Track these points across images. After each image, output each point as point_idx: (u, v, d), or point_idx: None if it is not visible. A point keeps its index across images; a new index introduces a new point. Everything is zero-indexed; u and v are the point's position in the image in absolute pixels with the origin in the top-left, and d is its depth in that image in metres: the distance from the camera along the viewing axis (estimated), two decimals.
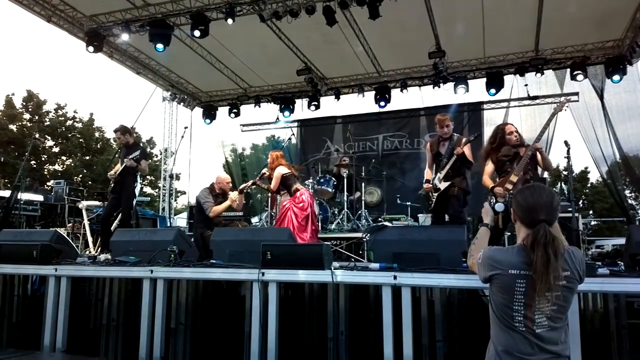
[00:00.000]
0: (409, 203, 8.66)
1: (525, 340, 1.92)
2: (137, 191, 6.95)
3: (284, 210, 6.30)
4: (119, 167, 6.72)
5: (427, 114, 11.16)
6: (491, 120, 10.78)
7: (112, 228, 6.71)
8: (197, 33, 7.90)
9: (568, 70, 9.41)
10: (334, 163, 10.22)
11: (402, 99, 10.84)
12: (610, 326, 3.84)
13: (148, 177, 25.10)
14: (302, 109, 11.58)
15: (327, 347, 3.99)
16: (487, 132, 10.00)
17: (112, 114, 56.78)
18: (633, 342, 3.78)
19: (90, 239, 7.52)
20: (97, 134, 28.07)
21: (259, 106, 11.72)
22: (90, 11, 8.48)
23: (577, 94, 9.85)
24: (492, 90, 9.79)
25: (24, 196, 8.49)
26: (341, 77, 11.05)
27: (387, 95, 10.56)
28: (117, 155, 7.28)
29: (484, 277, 2.05)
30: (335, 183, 8.54)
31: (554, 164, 5.39)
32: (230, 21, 7.69)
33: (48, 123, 25.68)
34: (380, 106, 10.67)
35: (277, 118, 11.80)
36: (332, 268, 3.82)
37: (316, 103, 10.96)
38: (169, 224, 11.02)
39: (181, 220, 12.82)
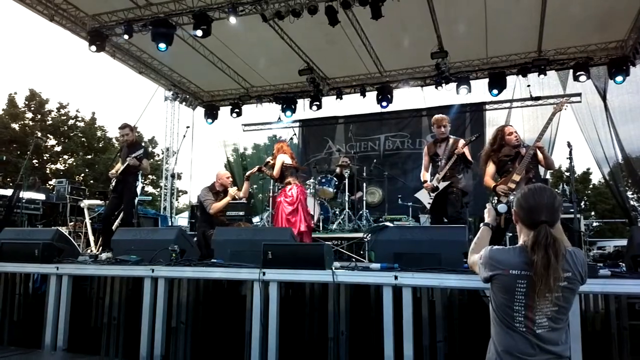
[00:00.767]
0: (410, 203, 8.65)
1: (526, 340, 1.92)
2: (138, 190, 6.96)
3: (278, 203, 6.49)
4: (120, 166, 6.72)
5: (429, 114, 11.12)
6: (493, 120, 10.78)
7: (114, 227, 6.71)
8: (199, 33, 7.92)
9: (571, 71, 9.40)
10: (336, 163, 10.22)
11: (404, 99, 10.86)
12: (612, 327, 3.83)
13: (150, 176, 25.12)
14: (304, 109, 11.60)
15: (327, 347, 3.99)
16: (489, 132, 9.99)
17: (114, 114, 56.90)
18: (634, 344, 3.77)
19: (91, 238, 7.53)
20: (99, 133, 28.12)
21: (261, 106, 11.74)
22: (93, 10, 8.50)
23: (579, 94, 9.83)
24: (495, 91, 9.78)
25: (26, 195, 8.51)
26: (343, 77, 11.06)
27: (389, 96, 10.56)
28: (118, 155, 7.29)
29: (485, 277, 2.05)
30: (336, 183, 8.54)
31: (556, 164, 5.39)
32: (232, 20, 7.70)
33: (50, 122, 25.73)
34: (382, 106, 10.68)
35: (279, 118, 11.81)
36: (333, 268, 3.83)
37: (318, 103, 10.97)
38: (170, 223, 11.03)
39: (182, 220, 12.82)
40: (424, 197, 5.91)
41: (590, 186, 30.55)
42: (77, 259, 5.02)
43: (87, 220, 7.73)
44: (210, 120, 12.16)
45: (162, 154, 14.04)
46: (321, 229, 8.05)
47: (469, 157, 5.72)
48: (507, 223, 4.69)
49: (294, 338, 4.31)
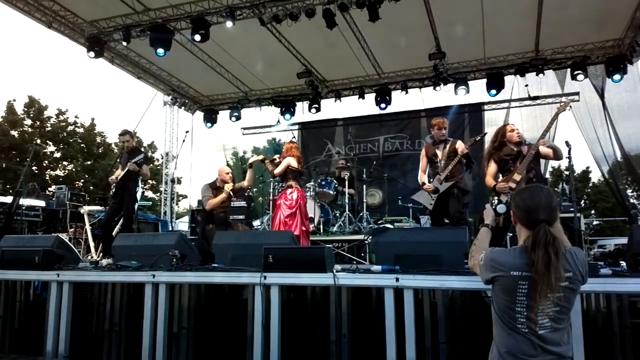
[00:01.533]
0: (411, 205, 8.65)
1: (528, 341, 1.91)
2: (138, 196, 6.96)
3: (277, 206, 6.55)
4: (120, 172, 6.72)
5: (428, 115, 11.16)
6: (492, 121, 10.80)
7: (114, 233, 6.71)
8: (197, 37, 7.93)
9: (568, 70, 9.42)
10: (335, 165, 10.22)
11: (402, 101, 10.86)
12: (613, 326, 3.82)
13: (150, 181, 25.12)
14: (303, 112, 11.62)
15: (329, 350, 3.98)
16: (489, 132, 10.01)
17: (113, 119, 56.98)
18: (636, 342, 3.77)
19: (92, 244, 7.53)
20: (98, 139, 28.10)
21: (260, 109, 11.75)
22: (91, 17, 8.51)
23: (577, 93, 9.85)
24: (493, 91, 9.79)
25: (26, 202, 8.50)
26: (341, 80, 11.07)
27: (387, 97, 10.57)
28: (118, 160, 7.29)
29: (486, 278, 2.05)
30: (336, 185, 8.55)
31: (555, 164, 5.43)
32: (229, 24, 7.71)
33: (49, 128, 25.73)
34: (380, 108, 10.69)
35: (278, 121, 11.82)
36: (334, 271, 3.82)
37: (317, 105, 10.99)
38: (170, 228, 11.03)
39: (183, 224, 12.82)
40: (423, 199, 5.91)
41: (590, 185, 30.54)
42: (78, 265, 5.03)
43: (87, 227, 7.72)
44: (209, 125, 12.17)
45: (162, 158, 14.04)
46: (322, 231, 8.05)
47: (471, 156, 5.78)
48: (507, 223, 4.70)
49: (296, 342, 4.30)
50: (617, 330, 3.79)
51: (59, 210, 9.40)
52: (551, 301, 1.90)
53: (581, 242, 5.96)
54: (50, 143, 25.70)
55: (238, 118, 11.94)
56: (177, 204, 12.66)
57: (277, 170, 6.61)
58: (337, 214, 8.56)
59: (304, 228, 6.44)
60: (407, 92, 10.49)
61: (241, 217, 9.70)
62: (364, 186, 8.85)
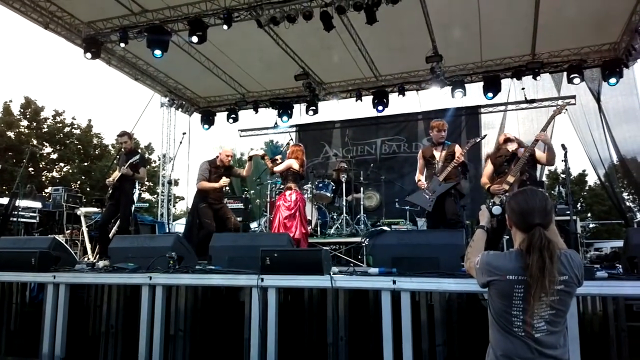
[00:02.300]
0: (408, 207, 8.66)
1: (525, 345, 1.92)
2: (135, 197, 6.95)
3: (276, 208, 6.58)
4: (117, 174, 6.72)
5: (425, 118, 11.18)
6: (489, 123, 10.84)
7: (111, 235, 6.70)
8: (194, 39, 7.93)
9: (565, 73, 9.45)
10: (333, 168, 10.22)
11: (399, 104, 10.88)
12: (610, 329, 3.85)
13: (147, 183, 25.07)
14: (300, 114, 11.63)
15: (326, 352, 3.99)
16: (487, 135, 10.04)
17: (110, 121, 56.84)
18: (632, 345, 3.79)
19: (88, 246, 7.50)
20: (95, 141, 28.02)
21: (257, 111, 11.74)
22: (88, 18, 8.50)
23: (574, 97, 9.89)
24: (490, 94, 9.82)
25: (22, 203, 8.47)
26: (339, 82, 11.09)
27: (384, 100, 10.58)
28: (115, 162, 7.28)
29: (482, 282, 2.06)
30: (334, 188, 8.55)
31: (551, 167, 5.53)
32: (226, 27, 7.72)
33: (46, 130, 25.64)
34: (378, 110, 10.69)
35: (276, 123, 11.81)
36: (331, 273, 3.83)
37: (314, 108, 11.00)
38: (167, 230, 11.00)
39: (180, 226, 12.78)
40: (420, 200, 5.92)
41: (586, 188, 30.65)
42: (74, 267, 5.00)
43: (84, 228, 7.69)
44: (206, 126, 12.16)
45: (159, 160, 14.03)
46: (319, 233, 8.05)
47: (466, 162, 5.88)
48: (503, 225, 4.73)
49: (293, 344, 4.30)
50: (614, 333, 3.81)
51: (56, 211, 9.37)
52: (547, 304, 1.91)
53: (577, 245, 6.00)
54: (47, 144, 25.62)
55: (235, 120, 11.94)
56: (174, 206, 12.65)
57: (277, 168, 6.64)
58: (335, 216, 8.56)
59: (303, 230, 6.45)
60: (404, 95, 10.52)
61: (238, 219, 9.69)
62: (361, 189, 8.86)
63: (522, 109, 10.58)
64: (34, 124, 25.38)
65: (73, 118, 27.19)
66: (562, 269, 1.94)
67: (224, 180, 6.65)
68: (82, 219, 7.73)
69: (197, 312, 4.73)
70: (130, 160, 6.62)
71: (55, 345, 4.49)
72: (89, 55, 8.55)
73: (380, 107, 10.60)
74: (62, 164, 26.46)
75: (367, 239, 6.25)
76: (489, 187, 5.27)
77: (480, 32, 8.57)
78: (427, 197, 5.79)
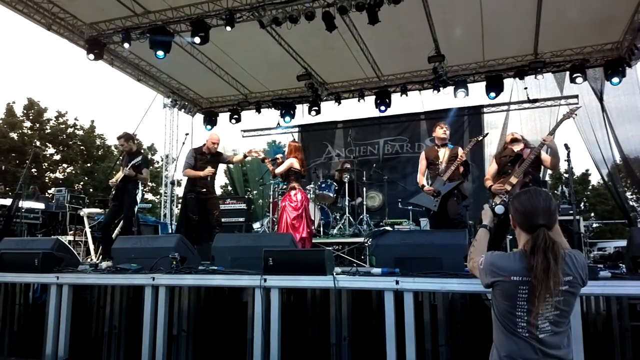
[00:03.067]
0: (411, 207, 8.66)
1: (529, 345, 1.91)
2: (138, 198, 6.96)
3: (282, 208, 6.52)
4: (120, 175, 6.73)
5: (428, 118, 11.18)
6: (491, 123, 10.82)
7: (114, 235, 6.71)
8: (197, 40, 7.93)
9: (567, 73, 9.43)
10: (335, 168, 10.23)
11: (402, 104, 10.87)
12: (613, 329, 3.84)
13: (149, 183, 25.12)
14: (303, 114, 11.61)
15: (329, 352, 3.98)
16: (488, 135, 10.02)
17: (113, 121, 56.98)
18: (636, 345, 3.78)
19: (91, 247, 7.52)
20: (98, 142, 28.12)
21: (260, 112, 11.74)
22: (91, 19, 8.51)
23: (576, 96, 9.87)
24: (492, 94, 9.80)
25: (25, 204, 8.49)
26: (341, 82, 11.08)
27: (387, 100, 10.57)
28: (118, 163, 7.30)
29: (486, 283, 2.05)
30: (336, 188, 8.56)
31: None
32: (228, 28, 7.72)
33: (49, 131, 25.73)
34: (380, 111, 10.69)
35: (278, 123, 11.82)
36: (334, 273, 3.82)
37: (317, 108, 10.99)
38: (170, 231, 11.01)
39: None
40: (424, 201, 5.93)
41: (590, 187, 30.58)
42: (77, 268, 5.02)
43: (87, 229, 7.72)
44: (209, 127, 12.16)
45: (162, 161, 14.04)
46: (322, 234, 8.05)
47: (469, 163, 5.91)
48: (505, 225, 4.73)
49: (296, 344, 4.30)
50: (617, 332, 3.80)
51: (59, 212, 9.40)
52: (551, 305, 1.90)
53: (581, 245, 5.99)
54: (50, 145, 25.72)
55: (238, 120, 11.94)
56: (177, 207, 12.65)
57: (279, 170, 6.60)
58: (337, 217, 8.56)
59: (309, 230, 6.43)
60: (407, 95, 10.51)
61: (241, 219, 9.71)
62: (364, 189, 8.86)
63: (525, 108, 10.57)
64: (37, 125, 25.48)
65: (76, 119, 27.37)
66: (567, 269, 1.93)
67: (208, 170, 6.59)
68: (85, 219, 7.76)
69: (200, 313, 4.74)
70: (133, 162, 6.63)
71: (59, 346, 4.49)
72: (91, 56, 8.56)
73: (382, 107, 10.59)
74: (65, 165, 26.55)
75: (370, 239, 6.26)
76: (491, 186, 5.28)
77: (483, 31, 8.55)
78: (432, 197, 5.80)
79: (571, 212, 5.71)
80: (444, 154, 5.93)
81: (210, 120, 12.16)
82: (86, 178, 26.13)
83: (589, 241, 10.21)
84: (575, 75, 9.17)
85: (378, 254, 4.36)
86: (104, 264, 5.09)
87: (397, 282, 3.54)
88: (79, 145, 26.89)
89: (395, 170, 11.04)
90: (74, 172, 26.03)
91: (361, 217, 8.40)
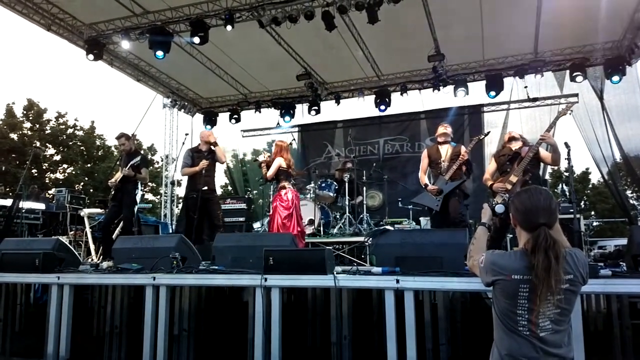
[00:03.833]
0: (411, 207, 8.66)
1: (530, 344, 1.91)
2: (138, 198, 6.96)
3: (274, 208, 6.58)
4: (119, 175, 6.73)
5: (428, 117, 11.18)
6: (491, 122, 10.82)
7: (114, 236, 6.72)
8: (196, 40, 7.93)
9: (567, 71, 9.42)
10: (335, 167, 10.22)
11: (402, 103, 10.87)
12: (614, 327, 3.84)
13: (150, 183, 25.13)
14: (303, 114, 11.61)
15: (330, 352, 3.99)
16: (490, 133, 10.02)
17: (113, 122, 57.00)
18: (636, 343, 3.78)
19: (92, 247, 7.53)
20: (98, 142, 28.13)
21: (260, 112, 11.75)
22: (90, 19, 8.51)
23: (576, 95, 9.86)
24: (492, 93, 9.79)
25: (26, 205, 8.50)
26: (341, 82, 11.08)
27: (387, 99, 10.57)
28: (118, 163, 7.30)
29: (487, 282, 2.05)
30: (336, 187, 8.56)
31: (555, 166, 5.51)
32: (229, 28, 7.73)
33: (49, 131, 25.74)
34: (380, 110, 10.68)
35: (278, 123, 11.82)
36: (335, 273, 3.82)
37: (316, 108, 10.98)
38: (170, 231, 11.02)
39: None
40: (426, 201, 5.93)
41: (590, 186, 30.56)
42: (78, 268, 5.02)
43: (88, 229, 7.72)
44: (209, 127, 12.14)
45: (162, 161, 14.05)
46: (322, 233, 8.05)
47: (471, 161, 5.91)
48: (505, 224, 4.74)
49: (296, 344, 4.31)
50: (618, 331, 3.81)
51: (59, 213, 9.40)
52: (552, 304, 1.90)
53: (581, 243, 5.99)
54: (50, 146, 25.72)
55: (238, 120, 11.94)
56: (177, 206, 12.66)
57: (270, 173, 6.65)
58: (337, 216, 8.56)
59: (299, 228, 6.50)
60: (407, 94, 10.50)
61: (241, 219, 9.71)
62: (364, 188, 8.86)
63: (525, 107, 10.56)
64: (37, 125, 25.50)
65: (76, 119, 27.40)
66: (568, 268, 1.93)
67: (203, 163, 6.56)
68: (86, 220, 7.76)
69: (201, 312, 4.74)
70: (132, 162, 6.64)
71: (60, 345, 4.50)
72: (91, 56, 8.56)
73: (382, 107, 10.59)
74: (65, 166, 26.57)
75: (370, 239, 6.26)
76: (491, 185, 5.29)
77: (483, 30, 8.55)
78: (434, 196, 5.80)
79: (571, 210, 5.71)
80: (446, 152, 5.93)
81: (210, 120, 12.16)
82: (86, 178, 26.14)
83: (589, 239, 10.22)
84: (575, 73, 9.17)
85: (378, 253, 4.36)
86: (105, 264, 5.10)
87: (397, 281, 3.54)
88: (79, 146, 26.90)
89: (395, 169, 11.04)
90: (74, 172, 26.03)
91: (361, 216, 8.40)
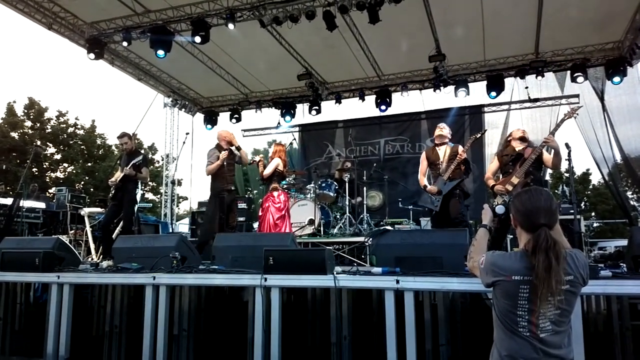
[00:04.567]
0: (411, 207, 8.66)
1: (530, 345, 1.91)
2: (138, 197, 6.96)
3: (265, 209, 6.63)
4: (120, 174, 6.74)
5: (428, 117, 11.17)
6: (492, 123, 10.81)
7: (114, 235, 6.72)
8: (197, 39, 7.93)
9: (568, 72, 9.42)
10: (336, 167, 10.23)
11: (403, 103, 10.86)
12: (614, 328, 3.83)
13: (150, 183, 25.13)
14: (303, 114, 11.62)
15: (330, 352, 3.99)
16: (488, 134, 10.02)
17: (113, 121, 56.99)
18: (637, 344, 3.77)
19: (92, 246, 7.53)
20: (98, 141, 28.13)
21: (260, 111, 11.75)
22: (91, 18, 8.51)
23: (577, 96, 9.86)
24: (493, 93, 9.79)
25: (26, 204, 8.50)
26: (342, 82, 11.07)
27: (387, 99, 10.56)
28: (118, 162, 7.30)
29: (487, 282, 2.05)
30: (337, 187, 8.56)
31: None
32: (231, 26, 7.73)
33: (50, 130, 25.75)
34: (381, 110, 10.68)
35: (279, 123, 11.82)
36: (335, 273, 3.82)
37: (317, 107, 10.98)
38: (171, 230, 11.02)
39: (183, 226, 12.81)
40: (426, 201, 5.94)
41: (590, 187, 30.55)
42: (78, 267, 5.02)
43: (88, 228, 7.72)
44: (209, 126, 12.16)
45: (162, 160, 14.06)
46: (322, 233, 8.05)
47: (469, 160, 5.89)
48: (506, 225, 4.74)
49: (296, 344, 4.30)
50: (618, 332, 3.80)
51: (59, 212, 9.40)
52: (552, 304, 1.90)
53: (581, 244, 6.00)
54: (51, 145, 25.73)
55: (238, 120, 11.95)
56: (177, 206, 12.67)
57: (267, 172, 6.70)
58: (338, 216, 8.56)
59: (289, 230, 6.55)
60: (407, 94, 10.49)
61: (241, 218, 9.72)
62: (365, 188, 8.86)
63: (526, 108, 10.56)
64: (38, 124, 25.50)
65: (77, 118, 27.40)
66: (568, 269, 1.93)
67: (223, 154, 6.36)
68: (86, 219, 7.77)
69: (201, 312, 4.74)
70: (133, 161, 6.64)
71: (60, 345, 4.50)
72: (92, 55, 8.57)
73: (383, 107, 10.58)
74: (65, 165, 26.57)
75: (371, 239, 6.26)
76: (493, 186, 5.28)
77: (484, 31, 8.54)
78: (433, 197, 5.81)
79: (572, 211, 5.72)
80: (444, 153, 5.93)
81: (211, 119, 12.16)
82: (87, 177, 26.15)
83: (589, 240, 10.21)
84: (576, 74, 9.16)
85: (378, 253, 4.36)
86: (105, 264, 5.10)
87: (397, 282, 3.54)
88: (79, 145, 26.90)
89: (395, 170, 11.04)
90: (74, 171, 26.04)
91: (361, 216, 8.40)
